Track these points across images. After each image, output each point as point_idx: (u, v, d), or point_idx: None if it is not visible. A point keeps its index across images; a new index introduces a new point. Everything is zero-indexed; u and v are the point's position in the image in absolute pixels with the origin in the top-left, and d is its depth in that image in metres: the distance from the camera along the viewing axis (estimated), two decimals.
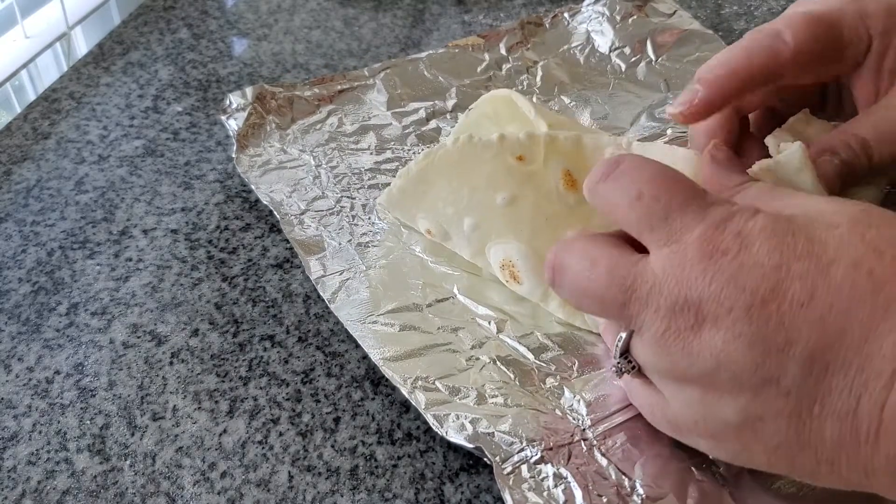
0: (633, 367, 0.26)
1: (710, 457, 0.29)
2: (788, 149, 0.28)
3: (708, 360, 0.22)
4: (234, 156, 0.43)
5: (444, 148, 0.34)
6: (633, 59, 0.51)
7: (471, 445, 0.30)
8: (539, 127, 0.36)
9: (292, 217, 0.40)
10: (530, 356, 0.33)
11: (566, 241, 0.27)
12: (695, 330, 0.23)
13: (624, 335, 0.26)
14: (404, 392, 0.32)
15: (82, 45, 0.56)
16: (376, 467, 0.31)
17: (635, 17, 0.53)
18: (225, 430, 0.32)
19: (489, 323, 0.34)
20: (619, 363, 0.26)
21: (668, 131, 0.45)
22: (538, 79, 0.50)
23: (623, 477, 0.29)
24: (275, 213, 0.40)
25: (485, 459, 0.29)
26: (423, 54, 0.50)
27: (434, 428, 0.30)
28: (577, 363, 0.33)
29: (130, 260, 0.39)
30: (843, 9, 0.30)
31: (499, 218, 0.34)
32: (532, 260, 0.34)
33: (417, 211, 0.37)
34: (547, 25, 0.53)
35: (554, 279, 0.27)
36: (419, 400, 0.31)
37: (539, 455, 0.29)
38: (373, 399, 0.33)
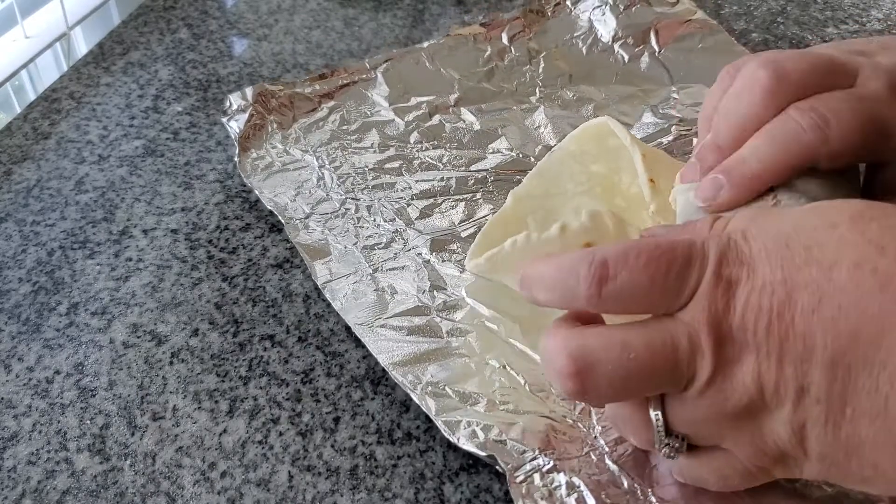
0: (683, 441, 0.25)
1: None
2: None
3: (751, 384, 0.23)
4: (236, 159, 0.43)
5: (503, 251, 0.31)
6: (637, 50, 0.51)
7: (483, 454, 0.29)
8: (633, 154, 0.33)
9: (297, 221, 0.39)
10: (539, 361, 0.33)
11: (569, 343, 0.24)
12: (735, 360, 0.23)
13: (660, 414, 0.25)
14: (414, 398, 0.31)
15: (82, 45, 0.56)
16: (376, 467, 0.31)
17: (638, 6, 0.53)
18: (225, 430, 0.32)
19: (498, 326, 0.34)
20: (668, 443, 0.25)
21: (673, 129, 0.45)
22: (540, 70, 0.49)
23: (635, 485, 0.28)
24: (280, 217, 0.40)
25: (496, 468, 0.29)
26: (425, 44, 0.50)
27: (446, 435, 0.30)
28: None
29: (130, 260, 0.39)
30: (887, 99, 0.28)
31: None
32: None
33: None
34: (549, 14, 0.53)
35: (582, 384, 0.24)
36: (430, 406, 0.31)
37: (551, 464, 0.29)
38: (373, 399, 0.33)
